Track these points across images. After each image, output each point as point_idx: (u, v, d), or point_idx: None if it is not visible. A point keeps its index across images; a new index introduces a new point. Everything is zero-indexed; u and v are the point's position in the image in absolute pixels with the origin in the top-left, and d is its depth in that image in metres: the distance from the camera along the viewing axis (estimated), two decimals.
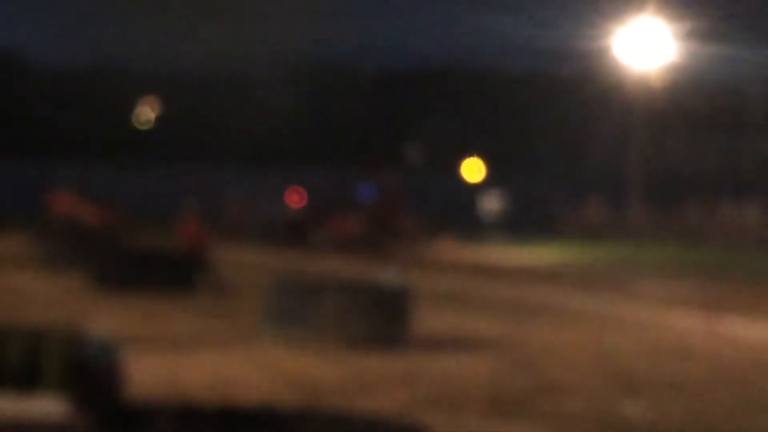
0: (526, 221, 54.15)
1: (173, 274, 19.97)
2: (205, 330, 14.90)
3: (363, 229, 36.41)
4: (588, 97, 72.69)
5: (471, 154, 79.95)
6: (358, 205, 38.57)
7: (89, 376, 6.77)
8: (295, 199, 41.22)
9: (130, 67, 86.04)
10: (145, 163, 61.98)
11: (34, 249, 24.78)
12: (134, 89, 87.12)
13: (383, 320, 13.35)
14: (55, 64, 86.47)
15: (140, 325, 15.34)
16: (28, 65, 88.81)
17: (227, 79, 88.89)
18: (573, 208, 49.78)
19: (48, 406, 5.95)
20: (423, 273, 26.78)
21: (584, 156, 79.94)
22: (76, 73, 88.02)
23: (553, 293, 22.55)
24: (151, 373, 10.95)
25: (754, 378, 12.11)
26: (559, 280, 27.16)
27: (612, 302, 20.53)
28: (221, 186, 57.46)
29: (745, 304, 20.49)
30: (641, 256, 35.56)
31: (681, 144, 75.01)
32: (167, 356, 12.33)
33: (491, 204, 44.79)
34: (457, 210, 57.52)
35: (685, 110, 68.65)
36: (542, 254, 38.02)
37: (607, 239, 42.42)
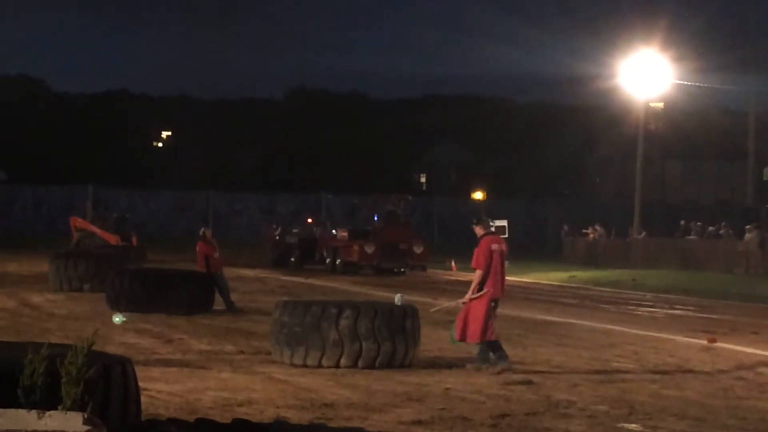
0: (530, 244, 54.34)
1: (188, 294, 20.19)
2: (218, 349, 15.09)
3: (372, 252, 36.71)
4: (592, 125, 73.00)
5: (476, 179, 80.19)
6: (367, 229, 38.79)
7: (105, 394, 6.83)
8: (307, 222, 41.52)
9: (147, 92, 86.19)
10: (162, 185, 62.25)
11: (53, 269, 25.06)
12: (151, 114, 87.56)
13: (392, 340, 13.63)
14: (76, 90, 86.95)
15: (155, 343, 15.60)
16: (51, 91, 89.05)
17: (237, 105, 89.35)
18: (575, 232, 49.93)
19: (65, 424, 6.09)
20: (429, 294, 27.04)
21: (587, 181, 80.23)
22: (95, 98, 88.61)
23: (558, 314, 22.76)
24: (164, 390, 11.19)
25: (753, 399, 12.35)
26: (563, 301, 27.38)
27: (616, 324, 20.73)
28: (235, 209, 57.77)
29: (743, 328, 20.75)
30: (643, 279, 35.73)
31: (682, 170, 75.25)
32: (181, 374, 12.50)
33: (495, 227, 44.89)
34: (463, 233, 57.71)
35: (686, 138, 68.89)
36: (547, 276, 38.24)
37: (609, 263, 42.54)
